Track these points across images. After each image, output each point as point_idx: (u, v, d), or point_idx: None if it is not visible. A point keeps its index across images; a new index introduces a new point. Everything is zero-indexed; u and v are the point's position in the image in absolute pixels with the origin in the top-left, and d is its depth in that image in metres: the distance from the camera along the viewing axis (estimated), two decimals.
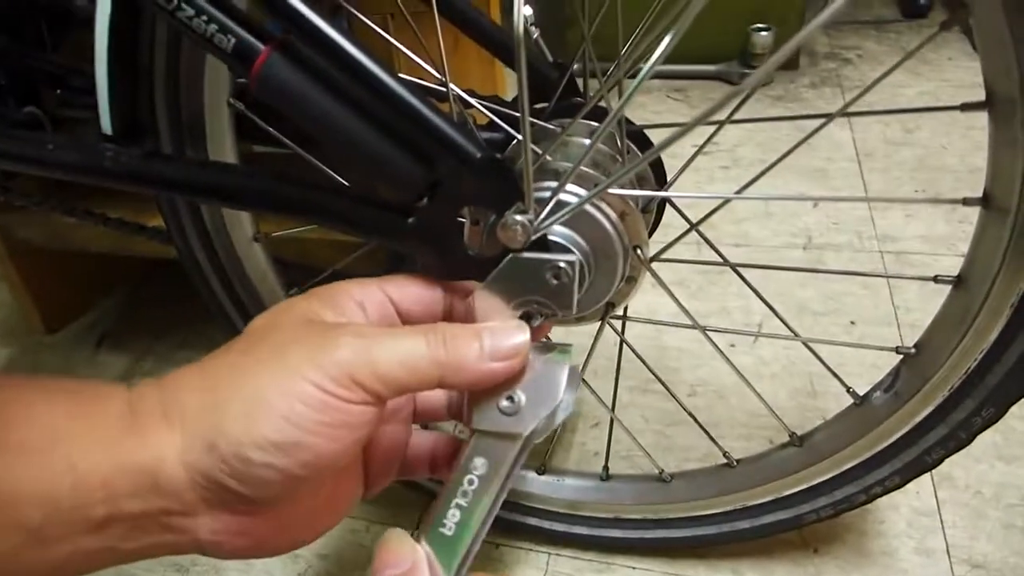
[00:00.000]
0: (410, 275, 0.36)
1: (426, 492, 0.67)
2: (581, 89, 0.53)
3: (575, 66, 0.51)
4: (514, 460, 0.32)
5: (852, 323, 0.86)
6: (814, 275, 0.95)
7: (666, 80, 1.58)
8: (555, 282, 0.35)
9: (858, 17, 1.86)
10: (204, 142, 0.50)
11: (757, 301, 0.53)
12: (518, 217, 0.35)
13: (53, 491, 0.26)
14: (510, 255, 0.36)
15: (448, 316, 0.37)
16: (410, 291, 0.35)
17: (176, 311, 1.03)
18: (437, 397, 0.39)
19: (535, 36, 0.53)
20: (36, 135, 0.50)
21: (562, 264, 0.35)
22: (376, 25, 0.58)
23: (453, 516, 0.31)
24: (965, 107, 0.39)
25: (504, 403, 0.32)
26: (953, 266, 0.44)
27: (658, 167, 0.50)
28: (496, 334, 0.32)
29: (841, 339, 0.84)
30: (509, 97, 0.56)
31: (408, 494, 0.68)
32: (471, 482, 0.31)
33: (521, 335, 0.33)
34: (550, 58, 0.53)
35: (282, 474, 0.28)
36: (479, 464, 0.32)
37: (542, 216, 0.36)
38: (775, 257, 1.00)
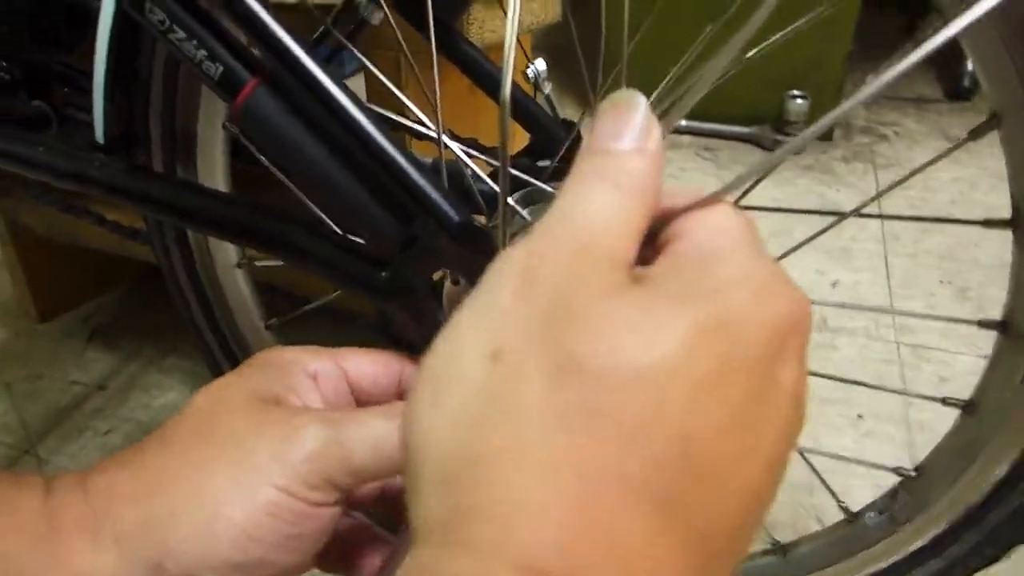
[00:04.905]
0: (368, 351, 0.33)
1: None
2: None
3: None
4: None
5: (859, 416, 0.82)
6: (825, 359, 0.91)
7: (697, 137, 1.56)
8: None
9: (899, 93, 1.83)
10: (195, 161, 0.49)
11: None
12: None
13: None
14: None
15: (403, 398, 0.33)
16: (367, 369, 0.32)
17: (171, 315, 1.01)
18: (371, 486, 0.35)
19: (547, 91, 0.51)
20: (29, 135, 0.49)
21: None
22: (388, 64, 0.57)
23: None
24: (989, 223, 0.36)
25: None
26: (973, 368, 0.41)
27: None
28: None
29: (846, 432, 0.80)
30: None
31: None
32: None
33: None
34: (560, 115, 0.51)
35: None
36: None
37: None
38: None
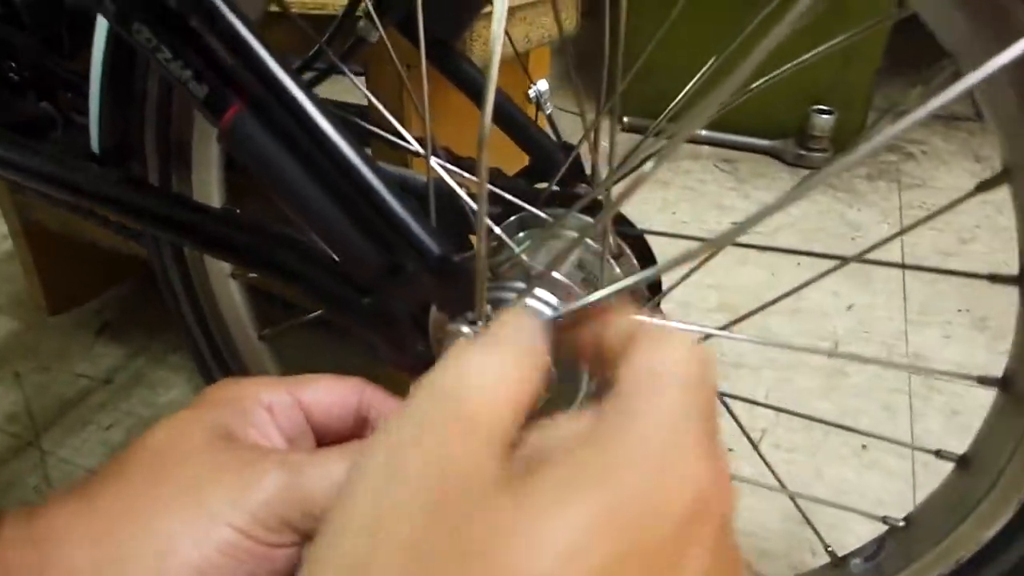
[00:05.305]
0: (325, 381, 0.32)
1: None
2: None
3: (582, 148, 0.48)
4: None
5: (863, 447, 0.80)
6: (834, 386, 0.89)
7: (717, 148, 1.53)
8: None
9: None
10: (190, 173, 0.49)
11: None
12: (464, 329, 0.32)
13: None
14: None
15: (361, 426, 0.32)
16: (323, 399, 0.31)
17: None
18: None
19: (548, 112, 0.50)
20: (26, 143, 0.50)
21: None
22: (391, 76, 0.56)
23: None
24: (994, 279, 0.35)
25: None
26: (985, 401, 0.39)
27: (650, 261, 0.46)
28: None
29: (849, 461, 0.78)
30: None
31: None
32: None
33: None
34: (561, 138, 0.50)
35: None
36: None
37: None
38: (795, 359, 0.94)
